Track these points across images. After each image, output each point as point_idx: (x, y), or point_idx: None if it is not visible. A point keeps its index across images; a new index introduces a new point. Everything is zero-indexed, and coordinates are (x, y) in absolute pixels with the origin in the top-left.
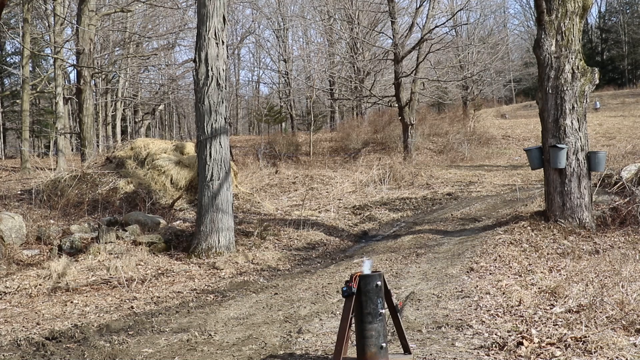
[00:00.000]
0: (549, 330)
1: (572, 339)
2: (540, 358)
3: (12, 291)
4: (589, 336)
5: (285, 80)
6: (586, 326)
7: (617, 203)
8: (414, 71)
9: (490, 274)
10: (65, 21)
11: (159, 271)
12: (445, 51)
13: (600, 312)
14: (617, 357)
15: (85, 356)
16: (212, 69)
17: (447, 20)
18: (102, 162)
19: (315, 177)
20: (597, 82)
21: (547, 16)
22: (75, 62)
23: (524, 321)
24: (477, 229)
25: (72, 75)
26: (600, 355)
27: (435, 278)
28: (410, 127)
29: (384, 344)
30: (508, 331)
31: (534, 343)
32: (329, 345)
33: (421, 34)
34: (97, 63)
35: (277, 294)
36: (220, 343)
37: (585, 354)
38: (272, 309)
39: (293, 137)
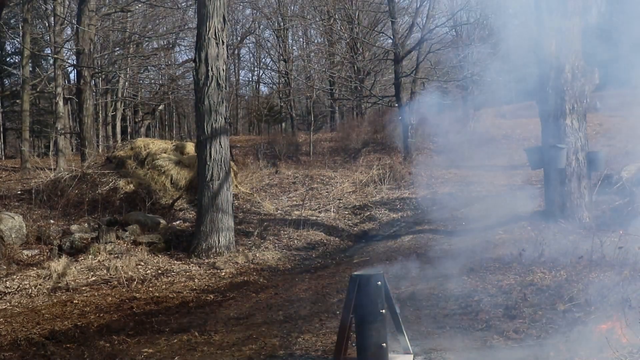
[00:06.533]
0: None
1: None
2: None
3: (12, 291)
4: None
5: (285, 80)
6: None
7: (617, 203)
8: (414, 71)
9: (490, 274)
10: (65, 21)
11: (159, 271)
12: (445, 51)
13: (600, 311)
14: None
15: (85, 356)
16: (212, 69)
17: (447, 20)
18: (102, 162)
19: (315, 177)
20: (597, 82)
21: (547, 16)
22: (75, 62)
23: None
24: (477, 229)
25: (72, 75)
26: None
27: (435, 278)
28: (410, 127)
29: (384, 344)
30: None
31: None
32: (329, 345)
33: (421, 34)
34: (97, 63)
35: (277, 294)
36: (220, 343)
37: None
38: (272, 309)
39: (293, 137)
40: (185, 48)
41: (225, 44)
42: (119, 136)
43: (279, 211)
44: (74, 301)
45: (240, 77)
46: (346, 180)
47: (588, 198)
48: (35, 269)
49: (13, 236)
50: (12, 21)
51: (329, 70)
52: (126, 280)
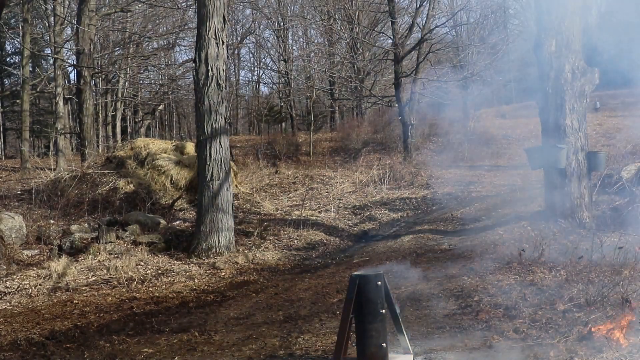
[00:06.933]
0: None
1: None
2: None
3: (12, 291)
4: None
5: (285, 80)
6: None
7: (617, 203)
8: (414, 71)
9: (490, 273)
10: (65, 21)
11: (159, 271)
12: (446, 51)
13: (601, 312)
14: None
15: (85, 356)
16: (212, 69)
17: (447, 20)
18: (102, 162)
19: (315, 177)
20: (597, 82)
21: (547, 16)
22: (75, 62)
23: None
24: (477, 229)
25: (72, 75)
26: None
27: (435, 278)
28: (410, 127)
29: (384, 344)
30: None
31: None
32: (329, 345)
33: (421, 34)
34: (97, 63)
35: (277, 294)
36: (220, 343)
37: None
38: (272, 309)
39: (293, 137)
40: (185, 48)
41: (225, 44)
42: (119, 136)
43: (279, 211)
44: (74, 301)
45: (240, 77)
46: (346, 180)
47: (588, 198)
48: (35, 269)
49: (13, 236)
50: (12, 21)
51: (329, 70)
52: (126, 280)
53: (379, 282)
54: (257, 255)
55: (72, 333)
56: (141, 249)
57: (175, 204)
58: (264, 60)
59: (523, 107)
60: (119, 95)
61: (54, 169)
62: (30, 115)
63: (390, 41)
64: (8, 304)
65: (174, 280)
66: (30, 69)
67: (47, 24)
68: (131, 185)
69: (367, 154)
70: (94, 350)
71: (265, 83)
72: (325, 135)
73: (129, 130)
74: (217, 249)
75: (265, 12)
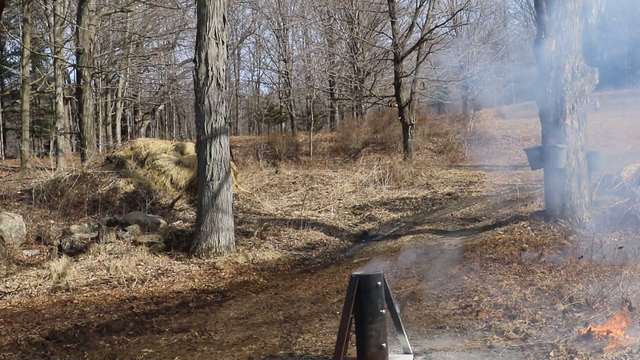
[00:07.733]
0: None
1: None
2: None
3: (12, 291)
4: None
5: (285, 80)
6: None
7: (617, 203)
8: (414, 71)
9: (490, 273)
10: (65, 21)
11: (159, 271)
12: (445, 51)
13: (601, 312)
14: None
15: (85, 356)
16: (212, 69)
17: (447, 20)
18: (102, 162)
19: (315, 177)
20: (597, 82)
21: (547, 16)
22: (75, 62)
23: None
24: (477, 229)
25: (72, 75)
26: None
27: (435, 278)
28: (410, 127)
29: (384, 344)
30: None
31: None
32: (329, 345)
33: (421, 34)
34: (97, 63)
35: (277, 294)
36: (220, 343)
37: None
38: (272, 309)
39: (293, 137)
40: (185, 48)
41: (225, 44)
42: (119, 136)
43: (279, 211)
44: (74, 301)
45: (240, 77)
46: (346, 180)
47: (588, 198)
48: (35, 269)
49: (13, 236)
50: (12, 21)
51: (329, 70)
52: (126, 280)
53: (379, 282)
54: (257, 255)
55: (72, 333)
56: (141, 249)
57: (175, 204)
58: (264, 60)
59: (523, 107)
60: (119, 95)
61: (54, 169)
62: (30, 115)
63: (390, 41)
64: (8, 304)
65: (174, 280)
66: (30, 69)
67: (47, 24)
68: (131, 185)
69: (367, 154)
70: (94, 350)
71: (265, 83)
72: (325, 135)
73: (129, 130)
74: (217, 249)
75: (265, 12)
